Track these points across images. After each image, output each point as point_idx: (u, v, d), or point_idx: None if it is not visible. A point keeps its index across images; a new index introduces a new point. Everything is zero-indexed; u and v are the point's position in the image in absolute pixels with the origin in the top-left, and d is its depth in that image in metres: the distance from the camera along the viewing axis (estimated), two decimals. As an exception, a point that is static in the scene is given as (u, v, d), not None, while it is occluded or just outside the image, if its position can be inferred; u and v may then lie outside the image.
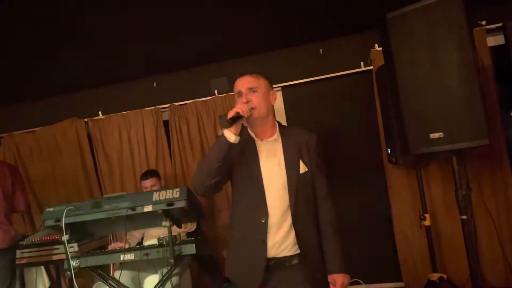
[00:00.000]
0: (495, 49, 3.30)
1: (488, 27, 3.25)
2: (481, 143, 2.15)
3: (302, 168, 1.98)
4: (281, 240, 1.94)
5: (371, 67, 3.52)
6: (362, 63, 3.63)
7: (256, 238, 1.93)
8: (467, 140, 2.18)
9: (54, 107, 4.28)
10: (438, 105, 2.23)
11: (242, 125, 1.94)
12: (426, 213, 3.13)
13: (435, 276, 3.01)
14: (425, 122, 2.28)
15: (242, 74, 2.02)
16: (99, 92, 4.20)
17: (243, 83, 1.99)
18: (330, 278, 1.97)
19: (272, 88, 2.06)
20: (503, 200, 3.22)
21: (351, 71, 3.64)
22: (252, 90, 1.96)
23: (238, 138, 1.86)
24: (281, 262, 1.95)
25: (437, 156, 2.96)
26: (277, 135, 2.03)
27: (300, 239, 1.94)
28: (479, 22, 3.26)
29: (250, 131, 2.06)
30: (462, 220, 2.36)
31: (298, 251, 1.96)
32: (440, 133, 2.23)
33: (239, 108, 1.85)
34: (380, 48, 3.15)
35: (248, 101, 1.94)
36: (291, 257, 1.96)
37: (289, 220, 1.94)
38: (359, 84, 3.64)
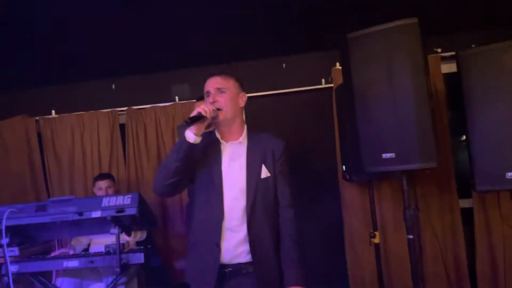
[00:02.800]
0: (448, 76, 3.45)
1: (443, 54, 3.40)
2: (429, 166, 2.23)
3: (264, 173, 1.95)
4: (236, 244, 1.89)
5: (332, 85, 3.59)
6: (323, 80, 3.70)
7: (210, 240, 1.88)
8: (416, 162, 2.25)
9: (3, 104, 4.07)
10: (391, 126, 2.30)
11: (209, 128, 1.92)
12: (376, 230, 3.20)
13: (381, 293, 3.08)
14: (378, 142, 2.34)
15: (212, 75, 2.00)
16: (53, 90, 4.03)
17: (212, 83, 1.97)
18: None
19: (242, 91, 2.04)
20: (449, 221, 3.34)
21: (312, 87, 3.71)
22: (220, 90, 1.94)
23: (199, 138, 1.83)
24: (237, 269, 1.90)
25: (389, 176, 3.05)
26: (243, 138, 2.01)
27: (253, 246, 1.89)
28: (435, 49, 3.41)
29: (216, 133, 2.02)
30: (408, 239, 2.43)
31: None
32: (392, 154, 2.29)
33: (202, 108, 1.82)
34: (341, 67, 3.22)
35: (215, 102, 1.91)
36: (247, 264, 1.90)
37: (245, 224, 1.89)
38: (319, 100, 3.70)
